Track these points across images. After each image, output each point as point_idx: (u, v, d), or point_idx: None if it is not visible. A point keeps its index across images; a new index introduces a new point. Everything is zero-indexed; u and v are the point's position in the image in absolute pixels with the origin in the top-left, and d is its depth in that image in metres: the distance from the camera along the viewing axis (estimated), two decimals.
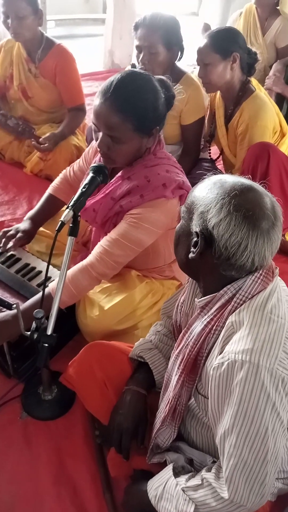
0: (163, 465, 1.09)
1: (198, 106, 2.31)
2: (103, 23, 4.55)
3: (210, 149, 2.49)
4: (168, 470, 1.04)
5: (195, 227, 0.95)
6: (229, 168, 2.41)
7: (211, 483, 0.94)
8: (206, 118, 2.42)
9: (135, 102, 1.32)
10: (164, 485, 1.01)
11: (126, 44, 4.18)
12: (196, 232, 0.95)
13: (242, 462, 0.88)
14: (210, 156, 2.53)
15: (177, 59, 2.21)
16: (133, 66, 2.29)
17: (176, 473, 1.03)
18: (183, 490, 0.97)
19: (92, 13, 5.44)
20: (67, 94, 2.55)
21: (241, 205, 0.89)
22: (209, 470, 0.99)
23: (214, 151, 2.50)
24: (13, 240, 1.70)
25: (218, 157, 2.51)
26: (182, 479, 1.00)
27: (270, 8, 3.28)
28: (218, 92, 2.26)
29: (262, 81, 3.45)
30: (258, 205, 0.91)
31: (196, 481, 0.98)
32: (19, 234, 1.70)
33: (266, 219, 0.90)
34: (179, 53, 2.20)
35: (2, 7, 2.28)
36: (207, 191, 0.95)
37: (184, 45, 2.22)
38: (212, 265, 0.95)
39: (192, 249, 0.97)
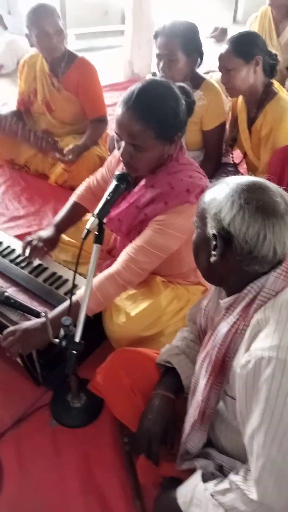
0: (192, 471, 1.08)
1: (219, 111, 2.32)
2: (121, 34, 4.61)
3: (232, 154, 2.49)
4: (197, 476, 1.03)
5: (211, 230, 0.96)
6: (253, 171, 2.39)
7: (239, 486, 0.93)
8: (228, 122, 2.41)
9: (157, 110, 1.33)
10: (193, 491, 1.01)
11: (145, 54, 4.22)
12: (213, 235, 0.96)
13: (271, 462, 0.87)
14: (232, 160, 2.52)
15: (197, 65, 2.23)
16: (154, 74, 2.32)
17: (205, 479, 1.02)
18: (212, 495, 0.96)
19: (110, 25, 5.52)
20: (90, 106, 2.59)
21: (251, 197, 0.91)
22: (237, 473, 0.98)
23: (237, 155, 2.49)
24: (36, 251, 1.72)
25: (241, 161, 2.50)
26: (211, 484, 0.99)
27: (285, 10, 3.30)
28: (240, 96, 2.26)
29: (280, 83, 3.45)
30: (266, 195, 0.92)
31: (224, 485, 0.97)
32: (40, 243, 1.72)
33: (278, 206, 0.91)
34: (199, 59, 2.21)
35: (38, 26, 2.31)
36: (214, 195, 0.97)
37: None
38: (235, 263, 0.95)
39: (213, 252, 0.97)
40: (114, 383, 1.31)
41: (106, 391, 1.34)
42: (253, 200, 0.91)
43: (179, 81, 2.10)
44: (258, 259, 0.93)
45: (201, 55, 2.21)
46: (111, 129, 2.09)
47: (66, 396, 1.53)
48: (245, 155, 2.41)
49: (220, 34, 5.59)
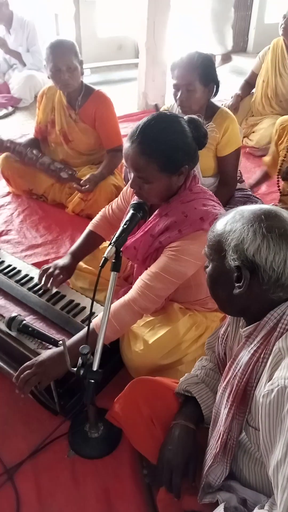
0: (215, 505, 1.05)
1: (235, 137, 2.35)
2: (135, 67, 4.75)
3: (279, 186, 2.48)
4: (219, 510, 1.00)
5: (233, 262, 0.95)
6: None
7: None
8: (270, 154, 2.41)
9: (158, 144, 1.36)
10: None
11: (159, 86, 4.33)
12: (236, 267, 0.95)
13: None
14: (247, 188, 2.54)
15: (214, 95, 2.27)
16: (156, 106, 2.37)
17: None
18: None
19: (124, 59, 5.70)
20: (106, 137, 2.66)
21: (271, 226, 0.92)
22: (262, 507, 0.94)
23: (283, 186, 2.49)
24: (52, 279, 1.74)
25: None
26: None
27: None
28: None
29: None
30: (284, 221, 0.93)
31: None
32: (56, 271, 1.74)
33: None
34: (215, 89, 2.26)
35: (52, 61, 2.41)
36: (231, 225, 0.97)
37: None
38: (261, 292, 0.95)
39: (237, 284, 0.96)
40: (132, 413, 1.29)
41: (125, 421, 1.32)
42: (274, 228, 0.91)
43: (196, 111, 2.15)
44: (285, 286, 0.93)
45: (217, 85, 2.25)
46: None
47: (84, 426, 1.51)
48: None
49: (226, 57, 5.72)
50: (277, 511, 0.87)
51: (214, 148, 2.36)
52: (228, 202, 2.37)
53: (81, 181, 2.58)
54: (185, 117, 1.45)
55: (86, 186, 2.55)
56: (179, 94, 2.19)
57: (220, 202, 1.55)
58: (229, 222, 0.98)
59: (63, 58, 2.40)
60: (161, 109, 2.52)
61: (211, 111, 2.30)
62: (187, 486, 1.15)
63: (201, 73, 2.13)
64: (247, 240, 0.92)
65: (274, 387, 0.87)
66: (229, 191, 2.44)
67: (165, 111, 1.48)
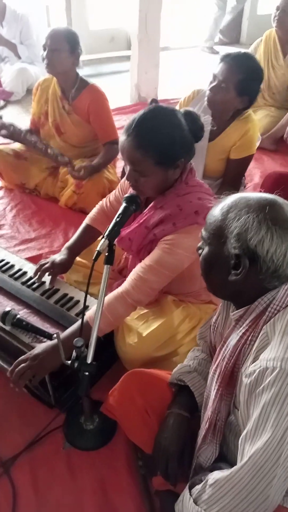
0: None
1: (253, 142, 2.30)
2: (127, 59, 4.72)
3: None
4: (187, 486, 1.03)
5: (234, 250, 0.95)
6: None
7: (211, 482, 0.93)
8: None
9: (154, 138, 1.35)
10: (182, 500, 1.00)
11: (151, 78, 4.31)
12: (236, 255, 0.95)
13: (257, 466, 0.86)
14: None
15: (242, 108, 2.19)
16: (153, 101, 2.32)
17: (195, 484, 1.01)
18: (195, 502, 0.95)
19: (116, 51, 5.66)
20: (102, 131, 2.65)
21: (276, 217, 0.92)
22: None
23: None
24: (48, 273, 1.73)
25: None
26: (194, 490, 0.98)
27: None
28: None
29: (287, 102, 3.51)
30: (287, 214, 0.94)
31: (200, 487, 0.96)
32: (53, 266, 1.73)
33: None
34: (247, 105, 2.17)
35: (44, 41, 2.45)
36: (234, 212, 0.96)
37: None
38: (256, 281, 0.96)
39: (233, 271, 0.97)
40: (127, 405, 1.30)
41: (119, 413, 1.33)
42: (278, 220, 0.92)
43: (219, 111, 2.12)
44: (281, 277, 0.95)
45: (251, 102, 2.16)
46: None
47: (79, 418, 1.52)
48: None
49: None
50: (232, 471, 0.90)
51: (226, 151, 2.31)
52: None
53: (76, 167, 2.57)
54: (181, 110, 1.45)
55: (81, 173, 2.54)
56: (212, 85, 2.12)
57: None
58: (232, 208, 0.97)
59: (51, 38, 2.42)
60: (191, 92, 2.41)
61: (235, 113, 2.22)
62: (181, 473, 1.16)
63: (241, 81, 2.05)
64: (252, 230, 0.92)
65: (256, 368, 0.90)
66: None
67: (161, 105, 1.47)
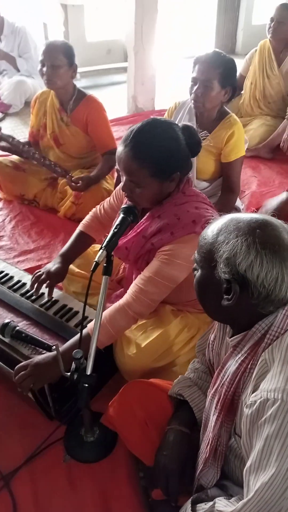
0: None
1: (241, 144, 2.38)
2: (124, 71, 4.77)
3: None
4: (188, 501, 1.02)
5: (223, 275, 0.93)
6: None
7: (220, 509, 0.92)
8: None
9: (151, 150, 1.36)
10: None
11: (148, 89, 4.35)
12: (226, 280, 0.93)
13: (263, 501, 0.85)
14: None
15: (227, 99, 2.29)
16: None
17: (200, 501, 1.01)
18: None
19: (113, 63, 5.72)
20: (100, 141, 2.67)
21: (266, 241, 0.89)
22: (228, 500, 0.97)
23: None
24: (45, 285, 1.72)
25: None
26: (199, 508, 0.97)
27: (285, 41, 3.47)
28: None
29: (282, 110, 3.55)
30: (279, 236, 0.91)
31: (208, 508, 0.95)
32: (49, 277, 1.72)
33: None
34: (231, 94, 2.28)
35: (41, 56, 2.47)
36: (224, 235, 0.94)
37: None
38: (249, 305, 0.94)
39: (225, 296, 0.95)
40: (127, 416, 1.30)
41: (120, 425, 1.32)
42: (268, 244, 0.89)
43: (208, 109, 2.20)
44: (274, 302, 0.92)
45: (234, 90, 2.27)
46: None
47: (79, 430, 1.51)
48: None
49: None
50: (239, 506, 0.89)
51: (215, 153, 2.37)
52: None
53: (73, 178, 2.58)
54: (180, 124, 1.46)
55: (79, 184, 2.55)
56: (195, 88, 2.21)
57: (225, 210, 1.55)
58: (222, 231, 0.95)
59: (49, 54, 2.44)
60: (173, 103, 2.53)
61: (221, 115, 2.34)
62: (182, 489, 1.16)
63: (222, 74, 2.17)
64: (240, 255, 0.89)
65: (257, 398, 0.88)
66: (233, 198, 2.46)
67: (160, 118, 1.49)
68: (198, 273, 1.03)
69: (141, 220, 1.54)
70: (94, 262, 1.25)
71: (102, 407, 1.44)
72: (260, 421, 0.87)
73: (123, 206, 1.44)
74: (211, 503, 0.97)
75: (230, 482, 1.10)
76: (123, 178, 1.44)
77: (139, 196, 1.44)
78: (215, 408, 1.04)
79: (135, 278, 1.53)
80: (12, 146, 2.72)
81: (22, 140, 2.81)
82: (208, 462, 1.07)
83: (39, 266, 2.38)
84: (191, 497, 1.04)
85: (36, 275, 1.76)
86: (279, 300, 0.92)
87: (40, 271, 1.77)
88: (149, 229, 1.50)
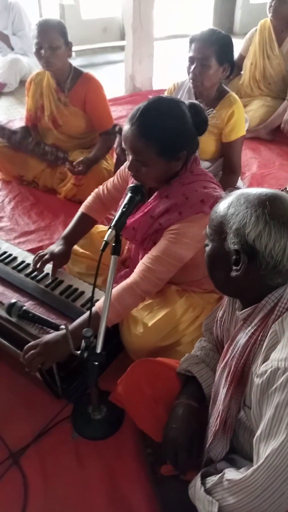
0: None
1: (242, 123, 2.37)
2: (120, 50, 4.70)
3: None
4: (199, 473, 1.05)
5: (233, 246, 0.95)
6: None
7: (229, 478, 0.94)
8: None
9: (157, 128, 1.35)
10: (194, 486, 1.02)
11: (146, 68, 4.29)
12: (235, 250, 0.95)
13: (273, 467, 0.87)
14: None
15: (226, 76, 2.27)
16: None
17: (209, 474, 1.03)
18: (206, 491, 0.97)
19: (109, 42, 5.62)
20: (98, 120, 2.64)
21: (275, 212, 0.91)
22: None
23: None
24: (49, 264, 1.73)
25: None
26: (209, 480, 1.00)
27: (286, 21, 3.41)
28: None
29: (283, 91, 3.52)
30: (287, 206, 0.93)
31: (217, 479, 0.98)
32: (52, 257, 1.73)
33: None
34: (229, 71, 2.26)
35: (36, 39, 2.40)
36: (234, 208, 0.96)
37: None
38: (258, 277, 0.95)
39: (234, 267, 0.97)
40: (135, 394, 1.31)
41: (128, 402, 1.34)
42: (277, 215, 0.91)
43: (206, 87, 2.17)
44: (282, 273, 0.94)
45: (232, 67, 2.25)
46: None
47: (86, 408, 1.53)
48: None
49: None
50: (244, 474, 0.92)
51: (216, 132, 2.35)
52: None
53: (74, 163, 2.55)
54: (186, 102, 1.44)
55: (79, 168, 2.52)
56: (192, 67, 2.19)
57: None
58: (233, 204, 0.97)
59: (45, 35, 2.38)
60: (172, 85, 2.51)
61: (221, 94, 2.31)
62: (190, 463, 1.18)
63: (218, 50, 2.14)
64: (249, 225, 0.92)
65: (268, 368, 0.90)
66: (235, 179, 2.45)
67: (166, 96, 1.46)
68: (208, 247, 1.05)
69: (149, 200, 1.53)
70: (104, 242, 1.24)
71: (108, 386, 1.45)
72: (270, 390, 0.89)
73: (131, 185, 1.43)
74: (220, 474, 1.00)
75: (238, 456, 1.12)
76: (129, 157, 1.42)
77: (145, 175, 1.43)
78: (225, 380, 1.05)
79: (141, 258, 1.53)
80: (11, 145, 2.69)
81: (18, 127, 2.75)
82: (217, 434, 1.09)
83: (40, 247, 2.37)
84: (201, 471, 1.06)
85: (39, 255, 1.76)
86: (287, 271, 0.94)
87: (43, 251, 1.77)
88: (156, 209, 1.49)
